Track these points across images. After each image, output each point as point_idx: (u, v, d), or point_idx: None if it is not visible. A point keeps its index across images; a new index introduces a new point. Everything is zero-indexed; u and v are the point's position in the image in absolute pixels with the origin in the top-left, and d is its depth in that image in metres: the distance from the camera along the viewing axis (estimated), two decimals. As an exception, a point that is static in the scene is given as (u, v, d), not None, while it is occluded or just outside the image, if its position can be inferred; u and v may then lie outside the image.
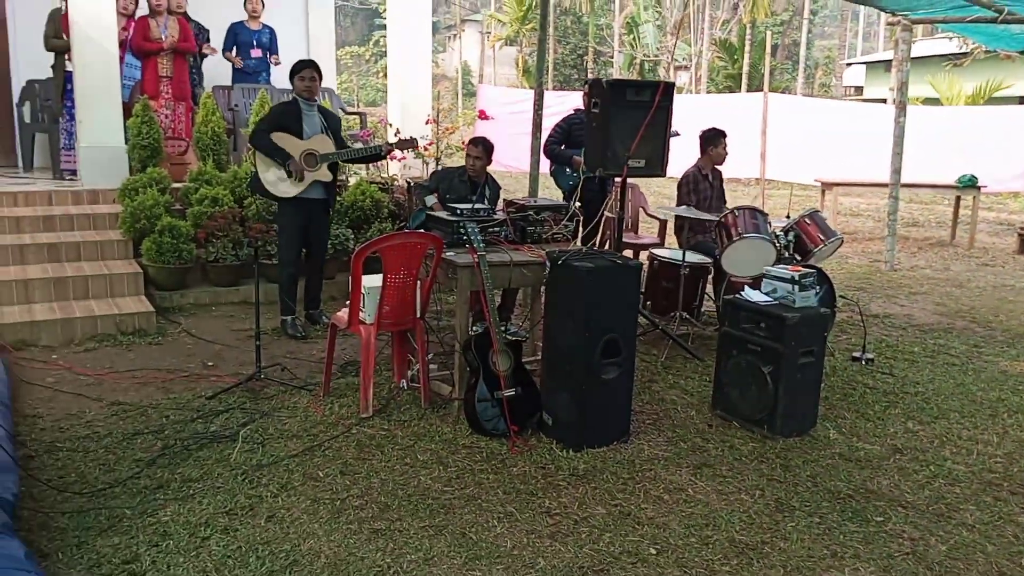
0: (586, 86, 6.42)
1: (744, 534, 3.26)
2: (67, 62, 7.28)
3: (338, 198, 6.54)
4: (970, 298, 7.56)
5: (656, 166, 5.00)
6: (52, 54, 7.49)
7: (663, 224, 7.38)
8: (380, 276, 4.32)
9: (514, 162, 14.64)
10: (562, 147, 6.53)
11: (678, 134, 5.25)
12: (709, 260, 5.86)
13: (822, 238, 5.70)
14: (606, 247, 5.90)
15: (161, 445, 3.86)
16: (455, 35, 37.79)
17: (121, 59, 7.18)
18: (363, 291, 4.34)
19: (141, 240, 6.25)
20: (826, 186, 10.90)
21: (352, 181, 7.40)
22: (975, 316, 6.89)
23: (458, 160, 7.69)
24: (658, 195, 13.58)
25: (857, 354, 5.54)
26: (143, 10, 7.70)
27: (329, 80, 8.95)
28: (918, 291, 7.78)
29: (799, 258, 5.65)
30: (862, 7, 28.61)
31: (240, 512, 3.29)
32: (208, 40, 8.32)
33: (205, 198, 6.52)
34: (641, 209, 7.48)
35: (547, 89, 7.04)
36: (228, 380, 4.72)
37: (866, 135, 14.00)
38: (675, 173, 5.95)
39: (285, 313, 5.74)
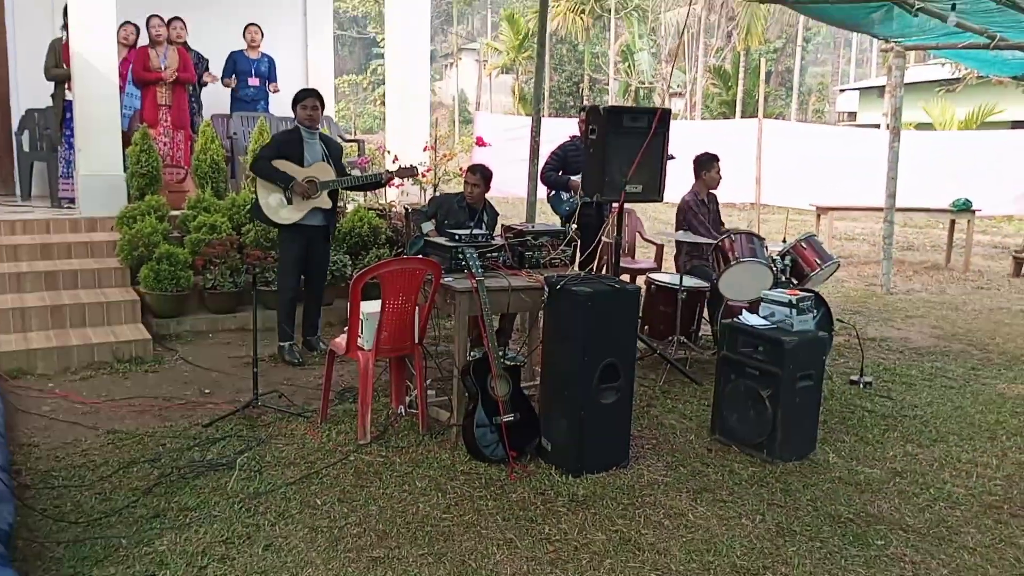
0: (582, 113, 6.49)
1: (745, 559, 3.24)
2: (67, 91, 7.33)
3: (337, 225, 6.56)
4: (966, 321, 7.57)
5: (653, 191, 5.04)
6: (52, 83, 7.55)
7: (660, 249, 7.41)
8: (378, 302, 4.33)
9: (510, 188, 14.71)
10: (559, 174, 6.58)
11: (673, 157, 5.29)
12: (706, 284, 5.87)
13: (818, 262, 5.73)
14: (603, 272, 5.91)
15: (158, 474, 3.84)
16: (452, 63, 38.10)
17: (121, 88, 7.24)
18: (361, 317, 4.34)
19: (139, 268, 6.25)
20: (821, 210, 10.96)
21: (350, 208, 7.42)
22: (972, 339, 6.90)
23: (456, 186, 7.73)
24: (654, 220, 13.63)
25: (855, 377, 5.54)
26: (144, 40, 7.78)
27: (328, 108, 9.01)
28: (914, 314, 7.79)
29: (796, 282, 5.67)
30: (855, 34, 28.93)
31: (237, 541, 3.27)
32: (208, 69, 8.39)
33: (203, 225, 6.53)
34: (638, 234, 7.51)
35: (543, 116, 7.09)
36: (225, 407, 4.70)
37: (860, 160, 14.14)
38: (670, 198, 5.98)
39: (283, 339, 5.73)
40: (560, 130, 12.99)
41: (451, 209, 5.61)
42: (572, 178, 6.41)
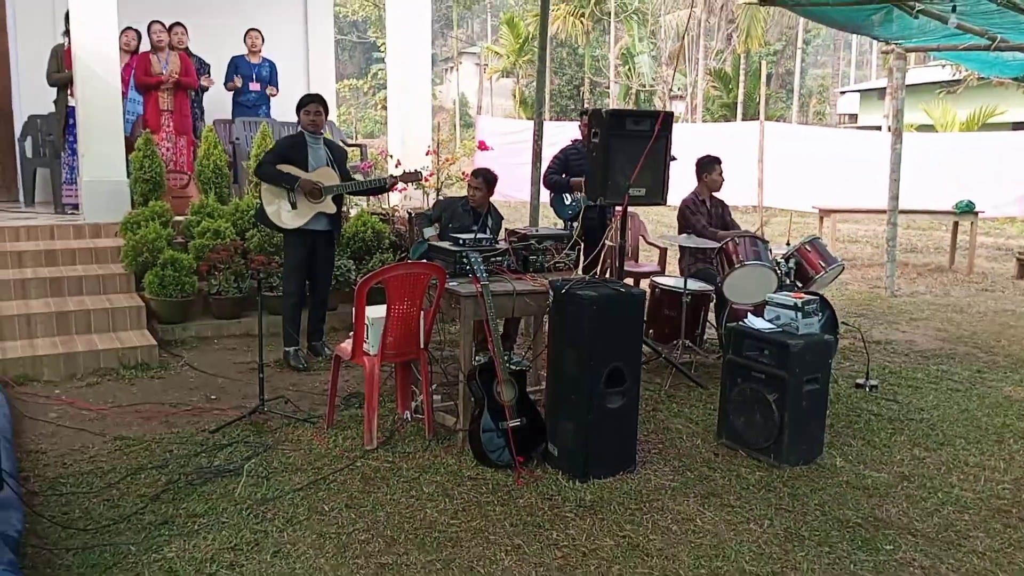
0: (584, 116, 6.49)
1: (754, 565, 3.23)
2: (70, 97, 7.34)
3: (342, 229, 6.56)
4: (971, 323, 7.57)
5: (657, 194, 5.01)
6: (54, 89, 7.57)
7: (663, 252, 7.41)
8: (384, 307, 4.32)
9: (512, 192, 14.74)
10: (561, 177, 6.58)
11: (675, 158, 5.29)
12: (710, 288, 5.87)
13: (823, 265, 5.72)
14: (607, 276, 5.91)
15: (165, 480, 3.84)
16: (452, 67, 38.15)
17: (124, 94, 7.25)
18: (367, 322, 4.34)
19: (143, 273, 6.26)
20: (824, 213, 10.96)
21: (353, 212, 7.43)
22: (977, 341, 6.89)
23: (458, 190, 7.73)
24: (657, 223, 13.63)
25: (861, 381, 5.54)
26: (145, 46, 7.79)
27: (330, 112, 9.03)
28: (919, 317, 7.79)
29: (800, 285, 5.66)
30: (855, 36, 28.95)
31: (246, 547, 3.26)
32: (208, 74, 8.40)
33: (207, 231, 6.54)
34: (641, 237, 7.51)
35: (545, 120, 7.09)
36: (231, 413, 4.70)
37: (862, 162, 14.15)
38: (672, 201, 5.98)
39: (288, 344, 5.73)
40: (561, 133, 13.02)
41: (455, 213, 5.62)
42: (573, 179, 6.41)
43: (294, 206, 5.48)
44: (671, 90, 29.31)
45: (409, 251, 6.45)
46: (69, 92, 7.31)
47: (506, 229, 5.38)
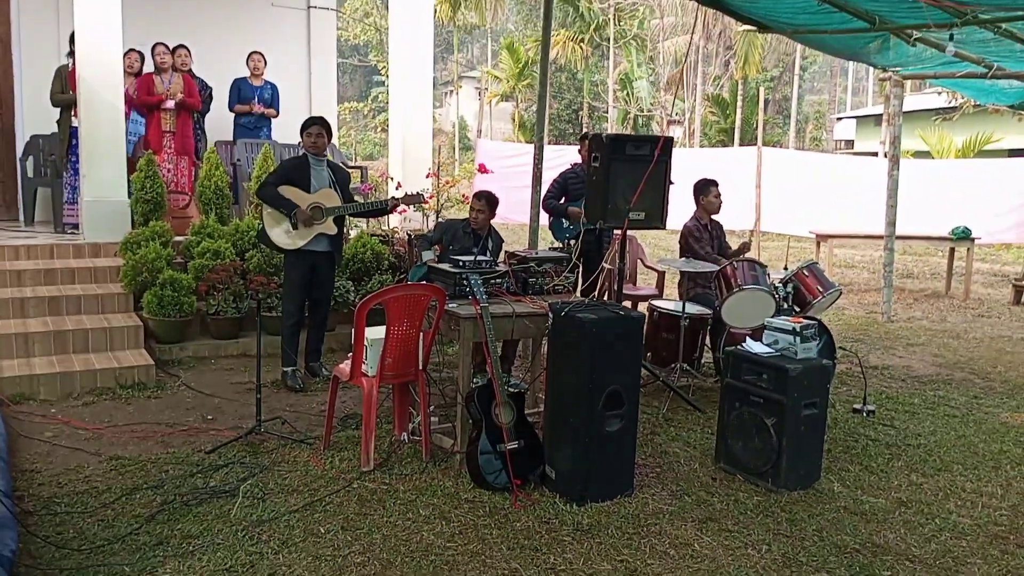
0: (584, 140, 6.53)
1: (752, 590, 3.22)
2: (73, 118, 7.38)
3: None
4: (968, 349, 7.58)
5: (656, 218, 5.05)
6: (57, 110, 7.61)
7: (661, 275, 7.43)
8: (383, 328, 4.33)
9: (511, 214, 14.78)
10: (560, 201, 6.62)
11: (672, 183, 5.32)
12: (709, 312, 5.88)
13: (820, 290, 5.74)
14: (604, 299, 5.92)
15: (160, 500, 3.82)
16: (452, 91, 38.41)
17: (126, 115, 7.29)
18: (366, 343, 4.34)
19: (142, 293, 6.26)
20: (821, 238, 11.00)
21: (353, 234, 7.45)
22: (974, 367, 6.90)
23: (457, 212, 7.76)
24: (654, 247, 13.68)
25: (858, 406, 5.54)
26: (148, 67, 7.85)
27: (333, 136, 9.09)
28: (916, 342, 7.80)
29: (798, 310, 5.68)
30: (851, 63, 29.22)
31: (241, 569, 3.25)
32: (211, 97, 8.46)
33: (207, 251, 6.55)
34: (639, 260, 7.53)
35: (545, 143, 7.13)
36: (228, 434, 4.69)
37: (858, 188, 14.22)
38: (672, 225, 6.02)
39: (286, 364, 5.73)
40: (560, 157, 13.10)
41: (456, 235, 5.64)
42: (571, 207, 6.45)
43: (295, 227, 5.50)
44: (673, 115, 29.51)
45: (408, 273, 6.46)
46: (72, 113, 7.35)
47: (506, 251, 5.40)
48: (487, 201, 5.62)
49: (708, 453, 4.62)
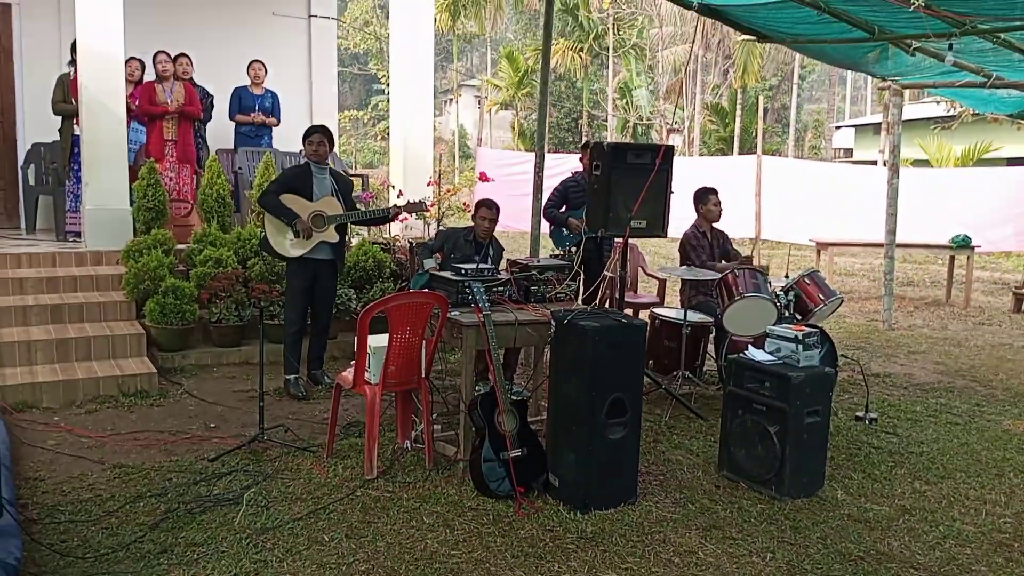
0: (585, 149, 6.55)
1: (757, 597, 3.22)
2: (75, 126, 7.40)
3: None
4: (969, 357, 7.59)
5: (657, 227, 5.08)
6: (59, 118, 7.63)
7: (662, 283, 7.44)
8: (386, 336, 4.33)
9: (511, 222, 14.79)
10: (561, 210, 6.64)
11: (672, 192, 5.34)
12: (710, 319, 5.89)
13: (822, 298, 5.75)
14: (606, 306, 5.93)
15: (164, 508, 3.82)
16: (451, 99, 38.49)
17: (127, 124, 7.30)
18: (369, 351, 4.35)
19: (144, 301, 6.27)
20: (821, 246, 11.02)
21: (355, 241, 7.46)
22: (975, 375, 6.91)
23: (456, 221, 7.77)
24: (655, 254, 13.69)
25: (860, 414, 5.54)
26: (149, 75, 7.87)
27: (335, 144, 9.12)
28: (917, 350, 7.81)
29: (799, 317, 5.69)
30: (849, 72, 29.32)
31: (245, 577, 3.25)
32: (213, 105, 8.48)
33: (209, 259, 6.56)
34: (640, 268, 7.54)
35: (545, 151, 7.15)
36: (231, 442, 4.68)
37: (858, 196, 14.24)
38: (672, 233, 6.03)
39: (289, 372, 5.73)
40: (560, 166, 13.13)
41: (457, 243, 5.66)
42: (571, 219, 6.47)
43: (297, 235, 5.52)
44: (672, 124, 29.58)
45: (410, 281, 6.47)
46: (75, 121, 7.37)
47: (507, 259, 5.41)
48: (497, 209, 5.66)
49: (711, 461, 4.62)
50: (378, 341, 4.36)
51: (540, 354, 5.03)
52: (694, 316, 5.82)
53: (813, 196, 15.13)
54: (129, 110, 7.32)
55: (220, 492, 4.02)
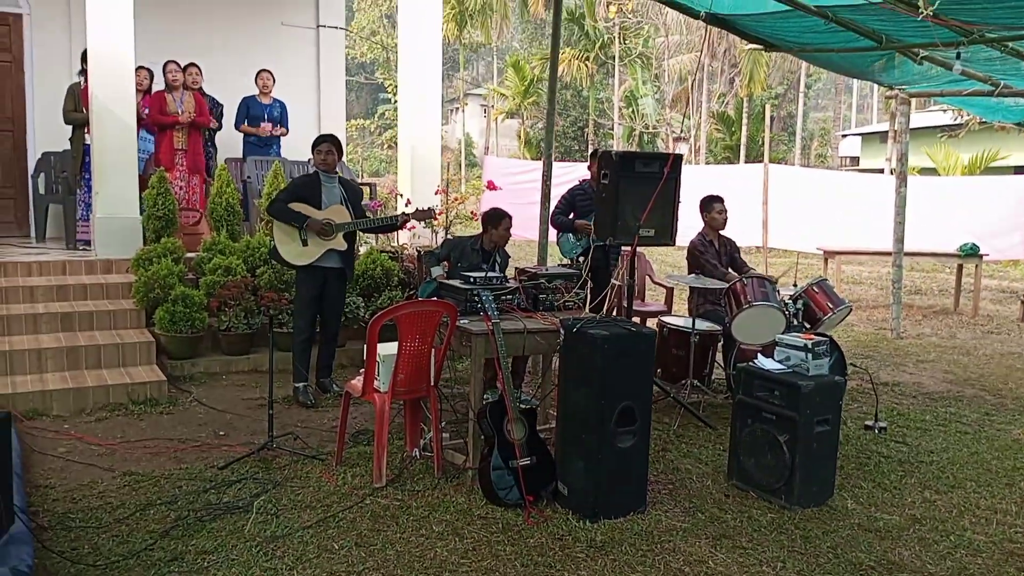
0: (594, 158, 6.56)
1: (767, 607, 3.21)
2: (86, 135, 7.45)
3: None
4: (978, 366, 7.56)
5: (665, 235, 5.07)
6: (70, 127, 7.68)
7: (670, 292, 7.44)
8: (395, 344, 4.34)
9: (518, 231, 14.80)
10: (568, 217, 6.65)
11: (680, 201, 5.34)
12: (719, 328, 5.88)
13: (830, 306, 5.75)
14: (614, 315, 5.93)
15: (174, 516, 3.83)
16: (458, 108, 38.60)
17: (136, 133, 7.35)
18: (378, 359, 4.36)
19: (154, 309, 6.29)
20: (828, 254, 11.01)
21: (363, 250, 7.49)
22: (984, 384, 6.88)
23: (463, 229, 7.79)
24: (662, 263, 13.69)
25: (870, 423, 5.53)
26: (159, 85, 7.92)
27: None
28: (926, 359, 7.79)
29: (808, 326, 5.68)
30: (856, 80, 29.32)
31: (256, 585, 3.25)
32: (222, 114, 8.52)
33: (218, 267, 6.59)
34: (648, 277, 7.55)
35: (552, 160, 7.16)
36: (240, 450, 4.70)
37: (865, 204, 14.21)
38: (680, 241, 6.04)
39: (298, 380, 5.75)
40: (566, 174, 13.11)
41: (464, 252, 5.66)
42: (579, 221, 6.48)
43: (305, 243, 5.54)
44: (680, 132, 29.61)
45: (418, 289, 6.49)
46: (86, 131, 7.42)
47: (516, 268, 5.42)
48: (511, 219, 5.67)
49: (720, 470, 4.62)
50: (387, 349, 4.37)
51: (548, 362, 5.03)
52: (702, 325, 5.82)
53: (820, 204, 15.10)
54: (139, 119, 7.36)
55: (230, 500, 4.03)
